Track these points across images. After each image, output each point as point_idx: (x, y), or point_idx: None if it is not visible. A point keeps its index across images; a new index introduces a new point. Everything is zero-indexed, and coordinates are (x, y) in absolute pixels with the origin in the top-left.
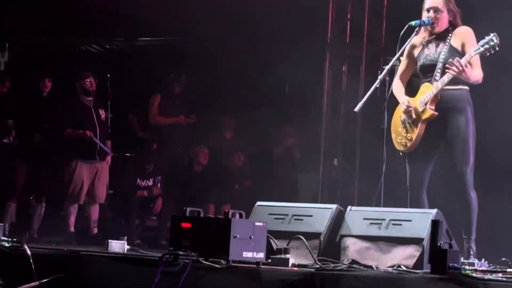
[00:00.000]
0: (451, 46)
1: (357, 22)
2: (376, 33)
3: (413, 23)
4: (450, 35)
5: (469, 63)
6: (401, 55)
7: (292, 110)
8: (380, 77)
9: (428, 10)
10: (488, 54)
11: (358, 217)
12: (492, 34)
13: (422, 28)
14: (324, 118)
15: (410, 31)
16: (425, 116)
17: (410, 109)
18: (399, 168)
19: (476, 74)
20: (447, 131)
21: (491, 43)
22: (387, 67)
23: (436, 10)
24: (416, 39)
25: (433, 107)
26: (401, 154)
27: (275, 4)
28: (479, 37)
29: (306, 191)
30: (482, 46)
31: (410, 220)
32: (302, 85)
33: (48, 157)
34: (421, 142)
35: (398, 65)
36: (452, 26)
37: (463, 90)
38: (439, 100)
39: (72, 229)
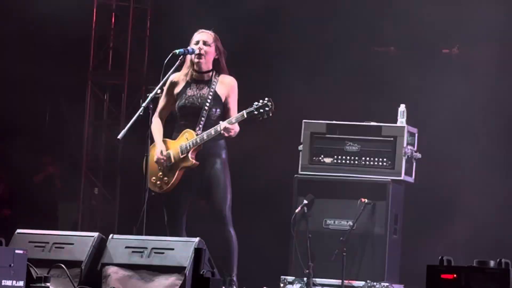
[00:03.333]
0: (215, 93)
1: (119, 51)
2: (138, 62)
3: (177, 51)
4: (215, 81)
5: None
6: (165, 84)
7: (52, 139)
8: (143, 104)
9: (197, 43)
10: (261, 118)
11: (120, 245)
12: (267, 99)
13: (187, 64)
14: (85, 146)
15: (174, 60)
16: (185, 164)
17: (162, 161)
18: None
19: (237, 130)
20: (205, 174)
21: (266, 108)
22: (150, 95)
23: (205, 43)
24: (177, 75)
25: (194, 156)
26: (153, 194)
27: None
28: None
29: (66, 219)
30: (256, 110)
31: (173, 249)
32: (63, 114)
33: None
34: (178, 185)
35: (161, 94)
36: (217, 68)
37: (220, 139)
38: (200, 149)
39: None
